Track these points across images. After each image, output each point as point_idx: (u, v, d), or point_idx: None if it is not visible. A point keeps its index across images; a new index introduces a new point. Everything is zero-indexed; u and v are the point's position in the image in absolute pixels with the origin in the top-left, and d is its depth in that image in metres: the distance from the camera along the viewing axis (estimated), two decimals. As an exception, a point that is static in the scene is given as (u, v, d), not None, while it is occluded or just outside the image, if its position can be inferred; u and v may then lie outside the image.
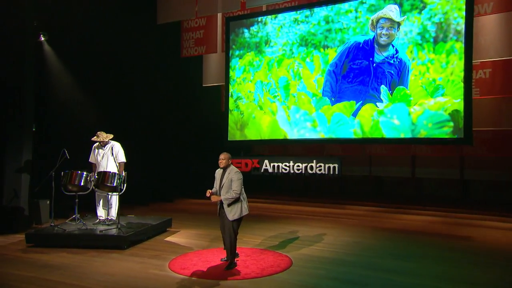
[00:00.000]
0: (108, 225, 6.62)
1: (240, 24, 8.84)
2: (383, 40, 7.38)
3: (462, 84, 6.79)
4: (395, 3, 7.27)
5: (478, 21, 7.28)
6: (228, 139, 8.90)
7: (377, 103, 7.38)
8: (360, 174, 11.22)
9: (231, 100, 8.93)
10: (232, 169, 5.09)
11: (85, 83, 8.88)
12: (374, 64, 7.44)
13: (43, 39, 8.35)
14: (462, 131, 6.75)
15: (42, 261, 5.46)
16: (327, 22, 7.91)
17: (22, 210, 7.26)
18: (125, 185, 6.58)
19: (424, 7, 7.10)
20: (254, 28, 8.69)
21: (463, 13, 6.80)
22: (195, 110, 11.17)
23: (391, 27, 7.33)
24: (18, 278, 4.86)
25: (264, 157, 8.17)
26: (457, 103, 6.80)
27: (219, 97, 10.38)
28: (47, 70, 8.53)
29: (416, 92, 7.08)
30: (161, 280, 4.75)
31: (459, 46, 6.83)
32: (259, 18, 8.62)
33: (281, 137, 8.31)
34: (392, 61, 7.30)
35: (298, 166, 7.79)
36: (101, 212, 6.99)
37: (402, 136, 7.17)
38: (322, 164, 7.57)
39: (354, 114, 7.56)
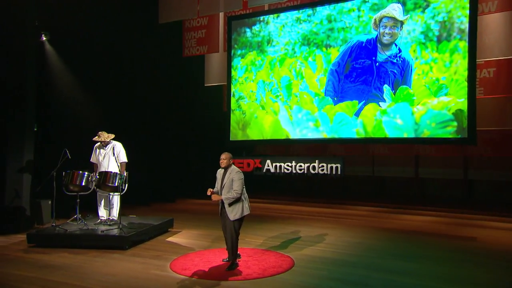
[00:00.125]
0: (109, 225, 6.61)
1: (242, 24, 8.81)
2: (386, 39, 7.34)
3: (465, 84, 6.73)
4: (398, 2, 7.23)
5: (482, 20, 7.21)
6: (230, 139, 8.88)
7: (380, 103, 7.33)
8: (363, 174, 11.16)
9: (233, 100, 8.90)
10: (233, 169, 5.07)
11: (87, 83, 8.87)
12: (377, 64, 7.39)
13: (44, 39, 8.34)
14: (466, 131, 6.70)
15: (44, 261, 5.46)
16: (330, 21, 7.87)
17: (23, 210, 7.26)
18: (126, 185, 6.57)
19: (427, 6, 7.04)
20: (256, 28, 8.65)
21: (467, 11, 6.75)
22: (197, 110, 11.15)
23: (394, 26, 7.28)
24: (19, 278, 4.86)
25: (266, 157, 8.14)
26: (461, 102, 6.75)
27: (221, 97, 10.36)
28: (49, 70, 8.52)
29: (420, 92, 7.04)
30: (162, 281, 4.74)
31: (463, 45, 6.77)
32: (261, 18, 8.59)
33: (283, 137, 8.27)
34: (395, 60, 7.25)
35: (301, 166, 7.76)
36: (102, 212, 6.98)
37: (405, 136, 7.13)
38: (325, 164, 7.53)
39: (357, 114, 7.51)
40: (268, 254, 5.78)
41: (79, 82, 8.78)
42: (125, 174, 6.61)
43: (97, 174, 6.55)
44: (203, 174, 8.03)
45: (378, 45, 7.40)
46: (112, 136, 6.94)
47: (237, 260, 5.26)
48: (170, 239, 6.74)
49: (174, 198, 10.78)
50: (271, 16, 8.49)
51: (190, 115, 11.12)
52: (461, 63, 6.77)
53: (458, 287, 4.65)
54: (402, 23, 7.23)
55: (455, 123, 6.77)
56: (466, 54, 6.74)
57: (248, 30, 8.75)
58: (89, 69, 8.83)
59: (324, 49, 7.92)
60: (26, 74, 7.42)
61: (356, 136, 7.53)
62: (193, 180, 10.82)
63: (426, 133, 6.97)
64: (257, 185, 10.63)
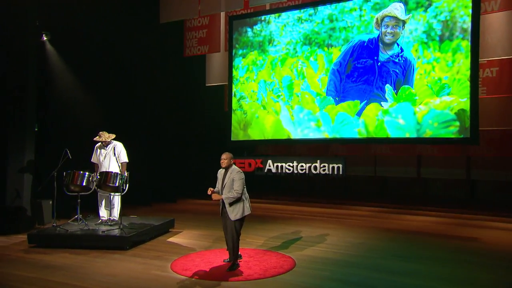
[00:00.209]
0: (110, 225, 6.59)
1: (244, 23, 8.79)
2: (388, 38, 7.30)
3: (468, 83, 6.70)
4: (400, 1, 7.19)
5: (485, 19, 7.17)
6: (231, 139, 8.86)
7: (381, 103, 7.30)
8: (365, 174, 11.11)
9: (234, 100, 8.88)
10: (234, 169, 5.06)
11: (87, 83, 8.86)
12: (379, 63, 7.36)
13: (45, 38, 8.34)
14: (469, 131, 6.67)
15: (44, 262, 5.44)
16: (331, 21, 7.84)
17: (24, 211, 7.25)
18: (127, 185, 6.56)
19: (429, 5, 7.01)
20: (257, 27, 8.63)
21: (470, 10, 6.71)
22: (198, 109, 11.13)
23: (396, 26, 7.25)
24: (19, 278, 4.85)
25: (267, 157, 8.12)
26: (463, 102, 6.71)
27: (222, 97, 10.33)
28: (49, 70, 8.52)
29: (422, 91, 7.00)
30: (163, 281, 4.72)
31: (466, 44, 6.73)
32: (263, 17, 8.57)
33: (285, 137, 8.25)
34: (397, 60, 7.22)
35: (302, 166, 7.73)
36: (103, 213, 6.96)
37: (407, 135, 7.09)
38: (326, 164, 7.51)
39: (359, 114, 7.48)
40: (269, 254, 5.75)
41: (80, 82, 8.77)
42: (126, 174, 6.60)
43: (98, 174, 6.53)
44: (204, 174, 7.99)
45: (380, 44, 7.37)
46: (113, 136, 6.92)
47: (238, 260, 5.24)
48: (171, 239, 6.72)
49: (175, 198, 10.76)
50: (273, 15, 8.46)
51: (191, 115, 11.09)
52: (464, 63, 6.74)
53: (460, 288, 4.62)
54: (404, 22, 7.19)
55: (457, 123, 6.73)
56: (469, 54, 6.70)
57: (249, 29, 8.72)
58: (90, 69, 8.82)
59: (325, 48, 7.89)
60: (27, 74, 7.41)
61: (358, 136, 7.49)
62: (194, 180, 10.79)
63: (428, 133, 6.94)
64: (259, 185, 10.60)
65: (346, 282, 4.74)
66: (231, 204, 4.95)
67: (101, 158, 6.85)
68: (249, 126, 8.65)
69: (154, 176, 10.05)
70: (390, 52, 7.28)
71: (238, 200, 4.96)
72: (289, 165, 7.83)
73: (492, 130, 8.44)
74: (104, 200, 6.95)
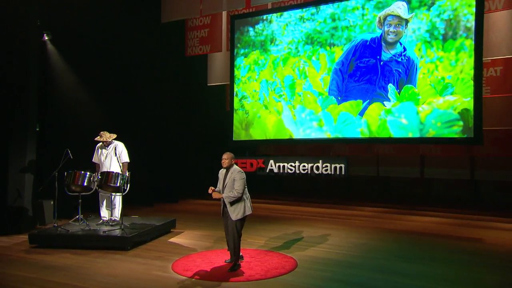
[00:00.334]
0: (111, 225, 6.58)
1: (245, 23, 8.76)
2: (390, 37, 7.26)
3: (472, 82, 6.64)
4: (403, 0, 7.14)
5: (489, 18, 7.11)
6: (233, 138, 8.83)
7: (384, 102, 7.25)
8: (367, 175, 11.07)
9: (236, 100, 8.85)
10: (235, 169, 5.04)
11: (89, 83, 8.85)
12: (382, 62, 7.31)
13: (46, 38, 8.33)
14: (472, 131, 6.61)
15: (45, 262, 5.43)
16: (333, 20, 7.80)
17: (26, 211, 7.24)
18: (128, 185, 6.54)
19: (432, 4, 6.96)
20: (259, 27, 8.60)
21: (473, 9, 6.66)
22: (200, 109, 11.11)
23: (398, 25, 7.20)
24: (20, 279, 4.84)
25: (269, 157, 8.09)
26: (467, 101, 6.65)
27: (224, 97, 10.30)
28: (50, 70, 8.51)
29: (425, 91, 6.95)
30: (164, 282, 4.70)
31: (469, 43, 6.68)
32: (264, 16, 8.53)
33: (287, 137, 8.21)
34: (400, 59, 7.17)
35: (304, 166, 7.70)
36: (104, 213, 6.95)
37: (410, 135, 7.04)
38: (329, 164, 7.48)
39: (361, 113, 7.44)
40: (271, 255, 5.72)
41: (81, 82, 8.76)
42: (127, 174, 6.58)
43: (99, 174, 6.52)
44: (205, 174, 7.99)
45: (383, 43, 7.32)
46: (114, 136, 6.90)
47: (239, 261, 5.21)
48: (172, 239, 6.70)
49: (177, 198, 10.74)
50: (274, 15, 8.43)
51: (192, 115, 11.08)
52: (467, 62, 6.68)
53: (464, 290, 4.57)
54: (407, 21, 7.14)
55: (461, 123, 6.68)
56: (472, 53, 6.65)
57: (251, 29, 8.69)
58: (91, 69, 8.81)
59: (328, 48, 7.85)
60: (28, 74, 7.40)
61: (360, 136, 7.45)
62: (196, 180, 10.78)
63: (431, 133, 6.88)
64: (260, 185, 10.57)
65: (348, 283, 4.71)
66: (231, 204, 4.93)
67: (102, 158, 6.83)
68: (251, 126, 8.62)
69: (155, 176, 10.04)
70: (393, 51, 7.23)
71: (239, 199, 4.94)
72: (291, 165, 7.80)
73: (496, 130, 8.38)
74: (105, 200, 6.93)
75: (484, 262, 5.56)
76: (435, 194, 10.88)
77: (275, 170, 7.93)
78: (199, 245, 6.34)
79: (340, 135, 7.64)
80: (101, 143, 6.88)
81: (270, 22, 8.47)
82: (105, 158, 6.81)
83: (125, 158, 6.85)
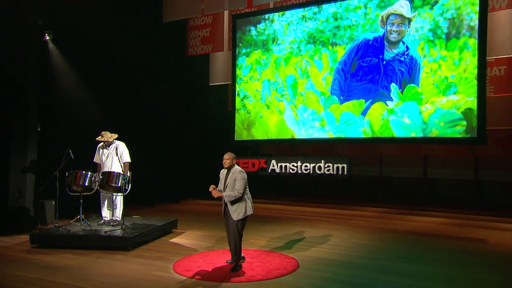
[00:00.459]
0: (112, 226, 6.56)
1: (247, 22, 8.74)
2: (393, 37, 7.21)
3: (475, 82, 6.60)
4: (406, -1, 7.10)
5: (493, 16, 7.05)
6: (235, 138, 8.82)
7: (387, 102, 7.21)
8: (370, 175, 11.02)
9: (237, 99, 8.83)
10: (236, 169, 5.01)
11: (90, 82, 8.84)
12: (384, 62, 7.27)
13: (47, 38, 8.33)
14: (476, 130, 6.57)
15: (46, 262, 5.42)
16: (336, 19, 7.76)
17: (27, 211, 7.23)
18: (129, 185, 6.51)
19: (436, 3, 6.91)
20: (261, 26, 8.57)
21: (477, 8, 6.62)
22: (202, 109, 11.09)
23: (401, 24, 7.15)
24: (21, 279, 4.82)
25: (271, 157, 8.07)
26: (470, 101, 6.60)
27: (225, 96, 10.28)
28: (52, 69, 8.51)
29: (428, 90, 6.91)
30: (165, 282, 4.68)
31: (473, 42, 6.63)
32: (266, 16, 8.51)
33: (289, 137, 8.18)
34: (402, 59, 7.13)
35: (306, 166, 7.67)
36: (105, 213, 6.93)
37: (413, 135, 7.00)
38: (331, 164, 7.45)
39: (364, 113, 7.40)
40: (273, 255, 5.69)
41: (82, 82, 8.75)
42: (128, 174, 6.56)
43: (100, 174, 6.50)
44: (207, 174, 7.93)
45: (385, 43, 7.28)
46: (115, 135, 6.88)
47: (241, 263, 5.18)
48: (173, 240, 6.68)
49: (178, 198, 10.72)
50: (276, 14, 8.40)
51: (194, 115, 11.06)
52: (471, 61, 6.63)
53: (468, 291, 4.53)
54: (409, 20, 7.09)
55: (464, 122, 6.63)
56: (476, 52, 6.60)
57: (253, 28, 8.66)
58: (93, 69, 8.80)
59: (330, 47, 7.81)
60: (29, 74, 7.39)
61: (362, 136, 7.41)
62: (198, 180, 10.75)
63: (434, 133, 6.84)
64: (262, 185, 10.54)
65: (350, 283, 4.68)
66: (232, 203, 4.91)
67: (104, 158, 6.81)
68: (253, 126, 8.59)
69: (157, 176, 10.02)
70: (395, 51, 7.19)
71: (239, 199, 4.91)
72: (293, 165, 7.77)
73: (500, 130, 8.33)
74: (106, 201, 6.92)
75: (487, 262, 5.52)
76: (438, 194, 10.81)
77: (277, 170, 7.90)
78: (200, 245, 6.31)
79: (342, 135, 7.60)
80: (102, 143, 6.86)
81: (272, 21, 8.44)
82: (106, 158, 6.79)
83: (127, 158, 6.83)
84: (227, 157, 5.02)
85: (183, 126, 10.85)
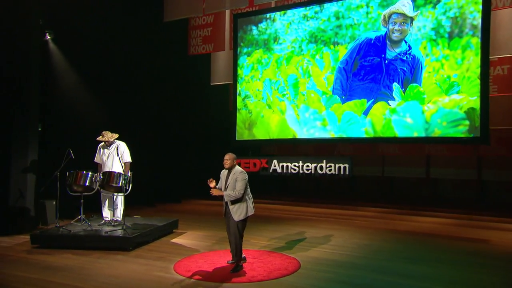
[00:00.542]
0: (113, 226, 6.54)
1: (248, 21, 8.71)
2: (395, 36, 7.18)
3: (478, 81, 6.56)
4: (408, -2, 7.06)
5: (496, 15, 7.00)
6: (236, 138, 8.79)
7: (389, 101, 7.17)
8: (372, 175, 10.98)
9: (239, 99, 8.80)
10: (237, 169, 4.98)
11: (91, 82, 8.82)
12: (386, 61, 7.23)
13: (48, 37, 8.32)
14: (479, 130, 6.53)
15: (46, 263, 5.40)
16: (337, 18, 7.72)
17: (28, 211, 7.22)
18: (130, 185, 6.49)
19: (438, 1, 6.87)
20: (262, 25, 8.54)
21: (480, 6, 6.58)
22: (203, 109, 11.07)
23: (403, 23, 7.11)
24: (21, 279, 4.81)
25: (272, 157, 8.06)
26: (473, 100, 6.56)
27: (227, 96, 10.26)
28: (52, 69, 8.50)
29: (430, 90, 6.86)
30: (166, 283, 4.66)
31: (476, 41, 6.58)
32: (268, 15, 8.48)
33: (290, 137, 8.15)
34: (405, 58, 7.09)
35: (308, 166, 7.64)
36: (106, 213, 6.91)
37: (415, 135, 6.96)
38: (332, 164, 7.43)
39: (366, 113, 7.36)
40: (274, 256, 5.67)
41: (83, 81, 8.74)
42: (129, 174, 6.54)
43: (101, 174, 6.48)
44: (208, 174, 7.87)
45: (387, 42, 7.24)
46: (116, 135, 6.86)
47: (242, 263, 5.15)
48: (174, 240, 6.66)
49: (180, 198, 10.70)
50: (278, 13, 8.38)
51: (195, 115, 11.03)
52: (474, 60, 6.59)
53: (470, 292, 4.50)
54: (412, 19, 7.05)
55: (467, 122, 6.59)
56: (479, 51, 6.56)
57: (254, 27, 8.63)
58: (93, 68, 8.78)
59: (331, 46, 7.77)
60: (30, 73, 7.38)
61: (364, 136, 7.37)
62: (199, 180, 10.70)
63: (437, 132, 6.80)
64: (263, 185, 10.51)
65: (351, 284, 4.65)
66: (233, 203, 4.89)
67: (104, 158, 6.79)
68: (254, 126, 8.56)
69: (158, 176, 10.00)
70: (397, 50, 7.15)
71: (240, 200, 4.89)
72: (294, 165, 7.75)
73: (503, 129, 8.28)
74: (107, 201, 6.90)
75: (490, 263, 5.48)
76: (441, 195, 10.76)
77: (279, 170, 7.88)
78: (201, 245, 6.29)
79: (344, 135, 7.57)
80: (103, 143, 6.84)
81: (274, 20, 8.41)
82: (107, 158, 6.77)
83: (127, 158, 6.81)
84: (228, 158, 5.00)
85: (184, 126, 10.82)
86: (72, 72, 8.61)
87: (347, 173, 7.32)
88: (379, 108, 7.24)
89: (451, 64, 6.75)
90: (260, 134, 8.50)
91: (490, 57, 6.66)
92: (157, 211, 9.18)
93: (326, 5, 7.84)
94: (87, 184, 6.42)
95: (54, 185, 6.54)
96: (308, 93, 7.96)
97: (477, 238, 6.86)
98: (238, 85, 8.82)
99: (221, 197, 4.95)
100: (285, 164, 7.83)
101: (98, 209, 7.07)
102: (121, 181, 6.29)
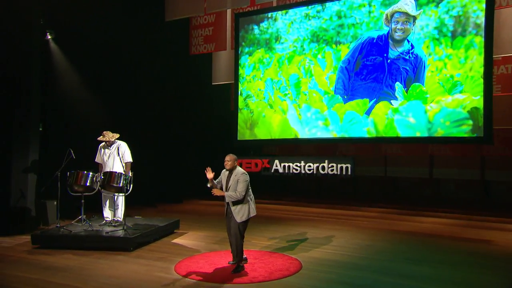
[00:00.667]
0: (114, 226, 6.52)
1: (250, 21, 8.68)
2: (398, 35, 7.13)
3: (481, 80, 6.50)
4: (411, -4, 7.01)
5: (500, 14, 6.94)
6: (238, 138, 8.76)
7: (391, 101, 7.13)
8: (375, 175, 10.94)
9: (240, 99, 8.77)
10: (239, 170, 4.95)
11: (92, 82, 8.81)
12: (389, 60, 7.19)
13: (49, 37, 8.31)
14: (482, 130, 6.48)
15: (47, 263, 5.40)
16: (340, 17, 7.68)
17: (29, 211, 7.21)
18: (131, 185, 6.48)
19: (441, 0, 6.81)
20: (264, 24, 8.50)
21: (483, 5, 6.52)
22: (204, 109, 11.04)
23: (406, 22, 7.07)
24: (21, 280, 4.81)
25: (274, 157, 8.03)
26: (477, 100, 6.51)
27: (228, 96, 10.22)
28: (53, 69, 8.49)
29: (433, 89, 6.82)
30: (167, 283, 4.64)
31: (479, 40, 6.53)
32: (269, 14, 8.44)
33: (292, 137, 8.12)
34: (407, 57, 7.04)
35: (310, 166, 7.61)
36: (107, 213, 6.90)
37: (418, 135, 6.91)
38: (334, 164, 7.40)
39: (368, 112, 7.32)
40: (275, 256, 5.64)
41: (84, 81, 8.73)
42: (130, 175, 6.53)
43: (102, 175, 6.47)
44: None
45: (390, 41, 7.19)
46: (117, 135, 6.85)
47: (243, 264, 5.13)
48: (175, 240, 6.64)
49: (181, 198, 10.68)
50: (279, 12, 8.34)
51: (197, 114, 11.01)
52: (477, 59, 6.54)
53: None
54: (414, 18, 7.00)
55: (470, 122, 6.54)
56: (482, 50, 6.51)
57: (256, 27, 8.60)
58: (94, 68, 8.77)
59: (333, 46, 7.73)
60: (31, 73, 7.37)
61: (367, 136, 7.33)
62: (200, 181, 10.67)
63: (440, 132, 6.75)
64: (265, 185, 10.48)
65: (353, 285, 4.62)
66: (234, 204, 4.86)
67: (105, 158, 6.78)
68: (256, 125, 8.53)
69: (159, 176, 9.98)
70: (400, 49, 7.10)
71: (242, 201, 4.87)
72: (296, 165, 7.71)
73: (506, 129, 8.24)
74: (108, 201, 6.88)
75: (493, 264, 5.43)
76: (444, 195, 10.72)
77: (280, 170, 7.85)
78: (202, 246, 6.27)
79: (346, 135, 7.53)
80: (104, 143, 6.83)
81: (275, 20, 8.37)
82: (108, 158, 6.76)
83: (128, 158, 6.80)
84: (229, 159, 4.97)
85: (186, 125, 10.80)
86: (73, 72, 8.60)
87: (349, 173, 7.28)
88: (382, 107, 7.19)
89: (454, 63, 6.70)
90: (261, 134, 8.47)
91: (493, 56, 6.60)
92: (158, 211, 9.16)
93: (328, 4, 7.80)
94: (88, 184, 6.41)
95: (55, 185, 6.53)
96: (310, 93, 7.92)
97: (480, 238, 6.82)
98: (239, 84, 8.78)
99: (222, 197, 4.92)
100: (286, 164, 7.79)
101: (99, 209, 7.06)
102: (122, 181, 6.27)
